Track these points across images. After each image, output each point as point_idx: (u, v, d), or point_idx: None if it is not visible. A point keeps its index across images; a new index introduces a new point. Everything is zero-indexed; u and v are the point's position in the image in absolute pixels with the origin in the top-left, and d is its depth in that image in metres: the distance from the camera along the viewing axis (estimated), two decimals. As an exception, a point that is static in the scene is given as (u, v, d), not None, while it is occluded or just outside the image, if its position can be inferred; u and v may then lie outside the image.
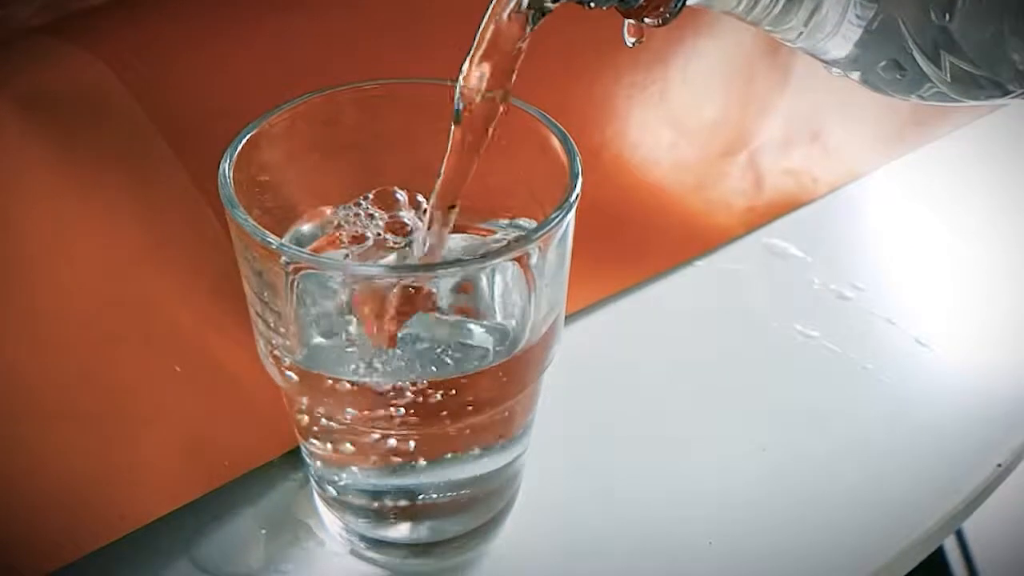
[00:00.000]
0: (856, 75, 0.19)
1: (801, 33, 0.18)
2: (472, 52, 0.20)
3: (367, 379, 0.21)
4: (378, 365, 0.21)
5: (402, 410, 0.21)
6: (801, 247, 0.38)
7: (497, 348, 0.22)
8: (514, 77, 0.21)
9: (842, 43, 0.18)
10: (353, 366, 0.21)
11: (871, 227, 0.40)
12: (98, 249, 0.28)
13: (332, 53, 0.31)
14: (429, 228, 0.22)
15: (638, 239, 0.36)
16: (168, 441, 0.26)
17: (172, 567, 0.25)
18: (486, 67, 0.20)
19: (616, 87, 0.36)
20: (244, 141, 0.21)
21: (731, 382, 0.32)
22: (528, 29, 0.20)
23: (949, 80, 0.17)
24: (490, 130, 0.21)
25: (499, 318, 0.23)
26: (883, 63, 0.18)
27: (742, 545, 0.27)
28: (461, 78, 0.20)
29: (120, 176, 0.28)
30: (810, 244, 0.38)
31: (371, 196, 0.24)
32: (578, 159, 0.21)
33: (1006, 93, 0.17)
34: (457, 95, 0.20)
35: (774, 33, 0.19)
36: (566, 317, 0.24)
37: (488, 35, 0.20)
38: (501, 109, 0.21)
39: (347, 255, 0.24)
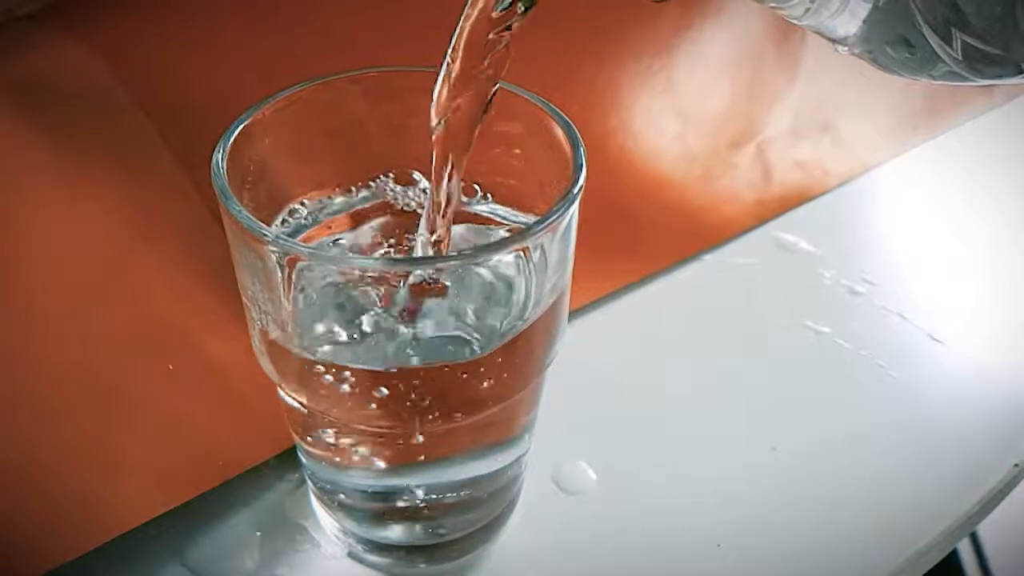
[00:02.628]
0: (865, 54, 0.19)
1: (808, 9, 0.18)
2: (450, 52, 0.20)
3: (365, 365, 0.21)
4: (376, 352, 0.21)
5: (397, 405, 0.21)
6: (811, 241, 0.38)
7: (497, 342, 0.22)
8: (497, 87, 0.21)
9: (850, 20, 0.18)
10: (351, 356, 0.21)
11: (883, 220, 0.40)
12: (87, 243, 0.27)
13: (326, 42, 0.31)
14: (432, 229, 0.22)
15: (643, 233, 0.36)
16: (160, 441, 0.26)
17: (164, 571, 0.25)
18: (465, 68, 0.20)
19: (621, 75, 0.36)
20: (238, 131, 0.21)
21: (739, 380, 0.32)
22: (517, 18, 0.20)
23: (960, 58, 0.17)
24: (474, 133, 0.21)
25: (501, 312, 0.23)
26: (892, 40, 0.17)
27: (751, 547, 0.27)
28: (436, 91, 0.20)
29: (109, 167, 0.28)
30: (821, 238, 0.38)
31: (364, 182, 0.24)
32: (582, 149, 0.21)
33: (1019, 71, 0.17)
34: (433, 110, 0.20)
35: (779, 10, 0.19)
36: (569, 314, 0.24)
37: (466, 34, 0.20)
38: (484, 113, 0.21)
39: (338, 239, 0.24)
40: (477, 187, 0.24)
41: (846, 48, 0.19)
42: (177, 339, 0.27)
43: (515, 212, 0.24)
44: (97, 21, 0.30)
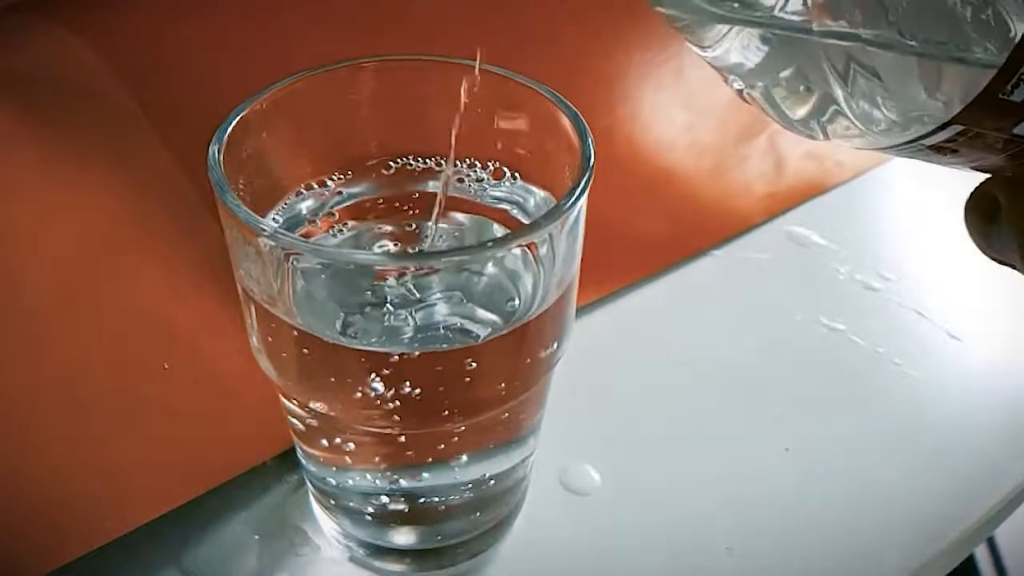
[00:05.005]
0: (759, 93, 0.19)
1: (717, 40, 0.18)
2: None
3: (366, 347, 0.21)
4: (377, 340, 0.21)
5: (401, 404, 0.21)
6: (825, 235, 0.37)
7: (501, 338, 0.22)
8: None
9: (749, 56, 0.18)
10: (352, 344, 0.21)
11: (899, 213, 0.40)
12: (79, 239, 0.27)
13: (325, 31, 0.31)
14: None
15: (651, 227, 0.36)
16: (156, 442, 0.26)
17: (161, 574, 0.25)
18: None
19: (629, 65, 0.36)
20: (234, 123, 0.21)
21: (751, 379, 0.32)
22: None
23: (857, 107, 0.17)
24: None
25: (506, 309, 0.23)
26: (787, 75, 0.18)
27: (763, 552, 0.27)
28: None
29: (102, 159, 0.28)
30: (835, 232, 0.38)
31: (359, 168, 0.24)
32: (591, 141, 0.21)
33: (910, 133, 0.17)
34: None
35: (689, 37, 0.19)
36: (576, 311, 0.24)
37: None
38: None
39: (339, 229, 0.24)
40: (505, 169, 0.24)
41: (741, 85, 0.19)
42: (173, 338, 0.27)
43: (539, 190, 0.24)
44: (91, 12, 0.30)
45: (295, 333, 0.21)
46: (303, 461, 0.25)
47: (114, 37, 0.30)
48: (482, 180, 0.24)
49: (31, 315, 0.26)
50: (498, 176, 0.24)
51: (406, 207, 0.25)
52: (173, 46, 0.30)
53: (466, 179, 0.24)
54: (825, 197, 0.39)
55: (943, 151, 0.17)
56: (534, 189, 0.24)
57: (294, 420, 0.24)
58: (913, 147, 0.17)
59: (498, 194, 0.24)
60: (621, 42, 0.36)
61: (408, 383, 0.21)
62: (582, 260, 0.22)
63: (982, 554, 0.66)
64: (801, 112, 0.18)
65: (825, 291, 0.35)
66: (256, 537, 0.26)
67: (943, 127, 0.16)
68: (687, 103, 0.38)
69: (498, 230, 0.24)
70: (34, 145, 0.28)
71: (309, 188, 0.24)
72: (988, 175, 0.20)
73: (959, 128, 0.16)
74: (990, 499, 0.28)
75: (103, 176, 0.28)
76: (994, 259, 0.21)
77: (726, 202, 0.38)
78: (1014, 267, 0.20)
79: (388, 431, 0.22)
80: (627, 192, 0.36)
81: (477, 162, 0.24)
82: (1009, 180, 0.19)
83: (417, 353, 0.21)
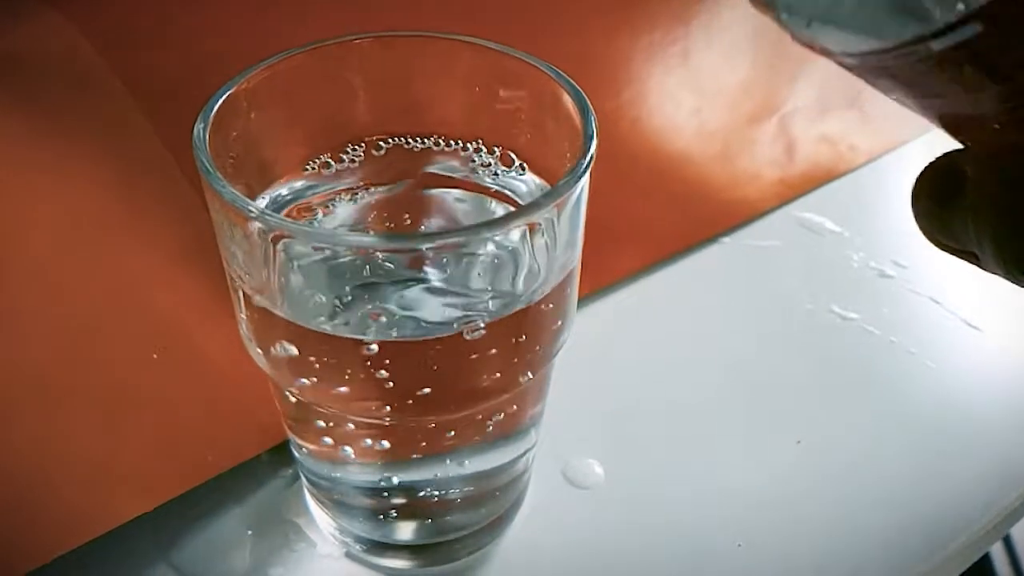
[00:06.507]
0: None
1: None
2: None
3: (358, 336, 0.20)
4: (371, 325, 0.21)
5: (396, 393, 0.20)
6: (838, 221, 0.37)
7: (500, 324, 0.21)
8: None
9: None
10: (344, 330, 0.20)
11: (914, 200, 0.39)
12: (67, 226, 0.27)
13: (317, 9, 0.31)
14: None
15: (658, 214, 0.36)
16: (145, 434, 0.26)
17: (150, 571, 0.25)
18: None
19: (634, 46, 0.36)
20: (220, 103, 0.21)
21: (762, 370, 0.31)
22: None
23: None
24: None
25: (506, 295, 0.22)
26: None
27: (774, 547, 0.26)
28: None
29: (91, 144, 0.28)
30: (848, 218, 0.37)
31: (351, 149, 0.24)
32: (593, 118, 0.21)
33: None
34: None
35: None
36: (578, 300, 0.23)
37: None
38: None
39: (330, 211, 0.23)
40: (513, 156, 0.24)
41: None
42: (162, 326, 0.27)
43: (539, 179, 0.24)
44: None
45: (284, 321, 0.20)
46: (297, 454, 0.25)
47: (105, 19, 0.30)
48: (489, 162, 0.24)
49: (17, 303, 0.26)
50: (506, 163, 0.24)
51: (399, 187, 0.24)
52: (165, 29, 0.30)
53: (463, 152, 0.24)
54: (838, 183, 0.39)
55: (944, 65, 0.15)
56: (536, 180, 0.24)
57: (287, 412, 0.24)
58: (913, 53, 0.15)
59: (496, 178, 0.24)
60: (626, 23, 0.36)
61: (403, 371, 0.20)
62: (585, 248, 0.22)
63: (998, 552, 0.65)
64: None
65: (838, 279, 0.35)
66: (249, 532, 0.26)
67: (960, 23, 0.14)
68: (695, 86, 0.37)
69: (497, 211, 0.24)
70: (22, 129, 0.28)
71: (299, 169, 0.24)
72: (943, 156, 0.18)
73: (977, 29, 0.14)
74: (1007, 496, 0.28)
75: (92, 162, 0.28)
76: (947, 248, 0.18)
77: (735, 188, 0.37)
78: (973, 258, 0.17)
79: (384, 422, 0.22)
80: (632, 177, 0.35)
81: (465, 143, 0.24)
82: (984, 150, 0.16)
83: (413, 340, 0.20)
